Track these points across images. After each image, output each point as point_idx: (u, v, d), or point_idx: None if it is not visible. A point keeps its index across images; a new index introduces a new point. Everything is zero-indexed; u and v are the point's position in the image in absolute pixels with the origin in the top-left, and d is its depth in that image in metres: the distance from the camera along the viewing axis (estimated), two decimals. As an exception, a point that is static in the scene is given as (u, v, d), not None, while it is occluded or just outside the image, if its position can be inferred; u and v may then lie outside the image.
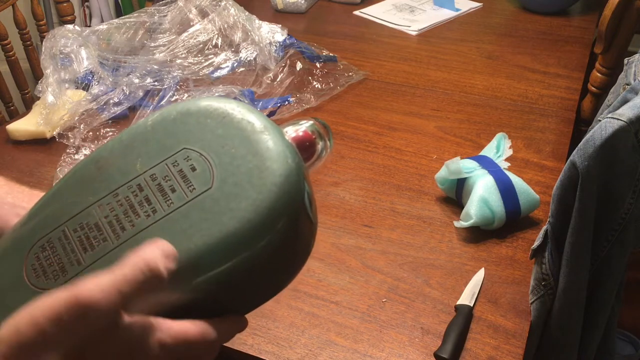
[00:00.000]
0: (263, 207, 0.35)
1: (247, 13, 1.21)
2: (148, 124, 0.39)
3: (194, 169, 0.37)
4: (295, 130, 0.42)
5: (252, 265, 0.35)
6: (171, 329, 0.34)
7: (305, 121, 0.43)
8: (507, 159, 0.85)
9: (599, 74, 1.19)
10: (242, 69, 1.15)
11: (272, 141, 0.37)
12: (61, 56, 1.05)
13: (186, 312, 0.35)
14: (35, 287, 0.35)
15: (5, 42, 1.37)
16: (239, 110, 0.38)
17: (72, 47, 1.06)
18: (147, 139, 0.38)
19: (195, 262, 0.35)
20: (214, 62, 1.14)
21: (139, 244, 0.35)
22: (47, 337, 0.29)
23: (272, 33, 1.20)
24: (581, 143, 0.65)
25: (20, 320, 0.30)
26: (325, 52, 1.24)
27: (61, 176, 0.83)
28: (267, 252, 0.35)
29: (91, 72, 1.06)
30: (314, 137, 0.42)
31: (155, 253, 0.32)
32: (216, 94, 1.01)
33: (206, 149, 0.37)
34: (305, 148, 0.41)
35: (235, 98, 1.03)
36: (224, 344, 0.66)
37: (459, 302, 0.70)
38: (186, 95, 1.04)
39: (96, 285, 0.30)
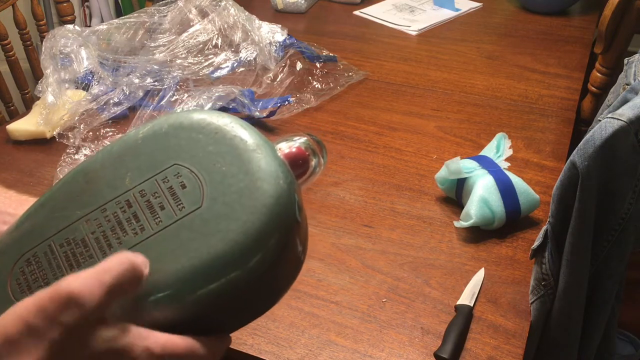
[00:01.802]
0: (253, 229, 0.34)
1: (247, 13, 1.21)
2: (139, 137, 0.38)
3: (184, 187, 0.36)
4: (288, 147, 0.41)
5: (242, 283, 0.35)
6: (160, 339, 0.34)
7: (298, 137, 0.42)
8: (507, 159, 0.85)
9: (599, 74, 1.19)
10: (242, 69, 1.15)
11: (264, 160, 0.36)
12: (61, 56, 1.05)
13: (173, 329, 0.35)
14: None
15: (5, 42, 1.37)
16: (231, 126, 0.37)
17: (72, 47, 1.06)
18: (137, 153, 0.37)
19: (183, 282, 0.34)
20: (214, 62, 1.14)
21: None
22: (31, 329, 0.30)
23: (272, 33, 1.20)
24: (581, 143, 0.65)
25: (5, 316, 0.31)
26: (325, 52, 1.24)
27: (61, 176, 0.83)
28: (257, 271, 0.35)
29: (91, 72, 1.06)
30: (307, 154, 0.41)
31: (137, 256, 0.33)
32: (216, 94, 1.01)
33: (197, 165, 0.36)
34: (298, 165, 0.41)
35: (235, 98, 1.03)
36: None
37: (459, 302, 0.70)
38: (186, 95, 1.04)
39: (77, 277, 0.31)
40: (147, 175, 0.37)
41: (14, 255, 0.37)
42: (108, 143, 0.41)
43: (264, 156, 0.36)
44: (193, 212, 0.35)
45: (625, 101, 0.76)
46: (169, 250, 0.35)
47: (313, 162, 0.42)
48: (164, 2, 1.21)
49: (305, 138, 0.42)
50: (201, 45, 1.15)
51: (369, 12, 1.57)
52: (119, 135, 0.40)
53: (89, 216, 0.36)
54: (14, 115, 1.40)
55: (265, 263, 0.35)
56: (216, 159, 0.36)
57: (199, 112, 0.38)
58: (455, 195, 0.84)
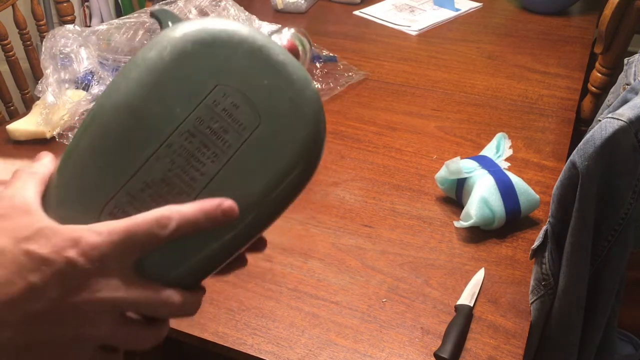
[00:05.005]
0: (316, 130, 0.37)
1: (247, 13, 1.21)
2: (166, 60, 0.36)
3: (236, 106, 0.36)
4: (279, 39, 0.42)
5: (307, 180, 0.37)
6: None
7: (286, 29, 0.43)
8: (507, 159, 0.85)
9: (599, 74, 1.19)
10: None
11: (292, 64, 0.37)
12: (61, 56, 1.05)
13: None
14: None
15: (5, 42, 1.37)
16: (250, 35, 0.38)
17: (72, 47, 1.06)
18: (173, 78, 0.36)
19: (272, 194, 0.36)
20: (214, 62, 1.14)
21: (217, 190, 0.36)
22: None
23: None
24: (581, 143, 0.65)
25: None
26: (325, 52, 1.24)
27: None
28: (316, 166, 0.38)
29: (91, 72, 1.06)
30: (296, 45, 0.43)
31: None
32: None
33: (238, 82, 0.36)
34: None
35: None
36: (223, 344, 0.66)
37: (459, 302, 0.70)
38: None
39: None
40: (195, 101, 0.36)
41: (94, 212, 0.35)
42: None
43: (290, 61, 0.37)
44: (256, 129, 0.36)
45: (625, 101, 0.76)
46: (251, 169, 0.36)
47: (301, 53, 0.43)
48: (164, 2, 1.21)
49: (294, 31, 0.44)
50: (201, 45, 1.15)
51: (369, 12, 1.57)
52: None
53: (157, 154, 0.35)
54: (14, 115, 1.40)
55: (320, 156, 0.38)
56: (253, 73, 0.37)
57: (212, 22, 0.38)
58: (455, 195, 0.84)
